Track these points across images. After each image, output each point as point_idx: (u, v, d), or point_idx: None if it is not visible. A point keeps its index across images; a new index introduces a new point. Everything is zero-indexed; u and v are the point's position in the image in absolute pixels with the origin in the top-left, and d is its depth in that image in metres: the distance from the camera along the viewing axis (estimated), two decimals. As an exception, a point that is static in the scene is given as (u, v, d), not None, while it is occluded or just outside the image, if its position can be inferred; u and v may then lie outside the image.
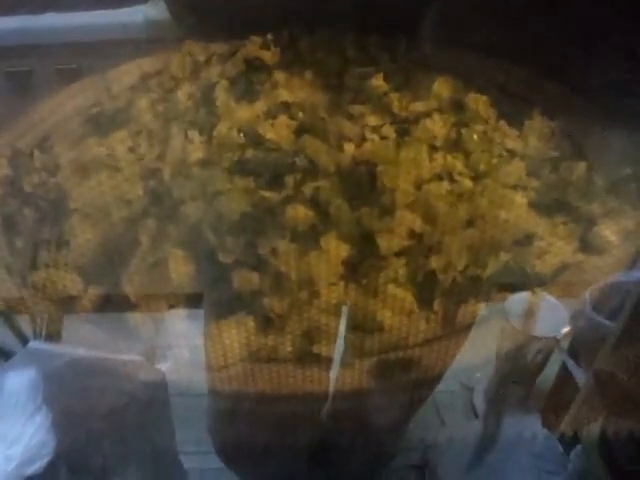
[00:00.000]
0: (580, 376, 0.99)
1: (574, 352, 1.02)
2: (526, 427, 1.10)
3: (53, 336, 0.91)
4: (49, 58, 1.40)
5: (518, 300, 0.97)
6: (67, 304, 0.90)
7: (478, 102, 1.10)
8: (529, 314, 0.97)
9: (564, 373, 1.05)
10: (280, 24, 1.25)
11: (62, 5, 1.42)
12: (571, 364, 1.01)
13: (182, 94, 1.13)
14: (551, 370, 1.07)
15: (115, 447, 0.87)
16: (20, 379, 0.79)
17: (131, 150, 1.04)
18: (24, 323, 0.93)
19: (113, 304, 0.91)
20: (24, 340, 0.93)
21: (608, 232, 0.98)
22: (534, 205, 0.99)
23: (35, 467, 0.75)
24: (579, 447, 1.01)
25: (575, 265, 0.94)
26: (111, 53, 1.32)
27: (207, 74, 1.18)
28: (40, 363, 0.82)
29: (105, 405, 0.85)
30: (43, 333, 0.91)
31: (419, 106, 1.09)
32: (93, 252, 0.92)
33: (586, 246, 0.97)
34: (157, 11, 1.40)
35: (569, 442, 1.04)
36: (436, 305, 0.85)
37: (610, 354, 0.87)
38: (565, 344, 1.03)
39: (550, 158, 1.07)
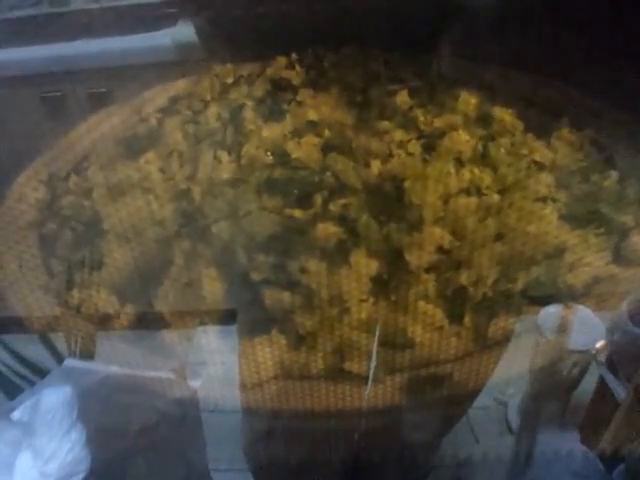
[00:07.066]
0: (619, 391, 0.96)
1: (612, 366, 0.99)
2: (563, 444, 1.07)
3: (87, 354, 0.93)
4: (81, 83, 1.44)
5: (552, 313, 0.95)
6: (103, 322, 0.92)
7: (504, 115, 1.10)
8: (564, 327, 0.94)
9: (602, 388, 1.02)
10: (305, 43, 1.26)
11: (93, 31, 1.47)
12: (610, 378, 0.98)
13: (211, 115, 1.15)
14: (589, 385, 1.04)
15: (148, 464, 0.88)
16: (56, 396, 0.81)
17: (162, 171, 1.06)
18: (59, 342, 0.96)
19: (147, 322, 0.92)
20: (59, 358, 0.95)
21: (642, 243, 0.95)
22: (565, 217, 0.97)
23: (71, 484, 0.76)
24: (622, 466, 0.98)
25: (609, 277, 0.92)
26: (141, 76, 1.35)
27: (234, 95, 1.20)
28: (75, 380, 0.83)
29: (138, 422, 0.86)
30: (78, 351, 0.93)
31: (444, 121, 1.09)
32: (128, 272, 0.94)
33: (619, 258, 0.94)
34: (185, 34, 1.43)
35: (611, 460, 1.01)
36: (467, 320, 0.84)
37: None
38: (602, 358, 1.00)
39: (579, 169, 1.06)
